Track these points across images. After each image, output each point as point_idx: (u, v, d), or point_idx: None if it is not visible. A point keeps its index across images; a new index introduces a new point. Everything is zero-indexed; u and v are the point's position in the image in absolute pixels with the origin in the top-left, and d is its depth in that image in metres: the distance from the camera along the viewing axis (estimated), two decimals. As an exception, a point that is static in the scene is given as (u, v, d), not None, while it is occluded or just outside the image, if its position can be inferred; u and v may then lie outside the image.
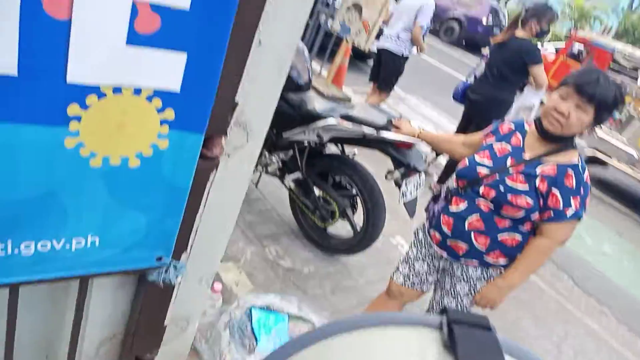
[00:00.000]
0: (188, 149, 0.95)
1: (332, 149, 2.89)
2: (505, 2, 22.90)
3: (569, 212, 1.61)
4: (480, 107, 3.83)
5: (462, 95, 4.08)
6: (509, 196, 1.64)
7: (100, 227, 0.98)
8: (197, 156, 0.96)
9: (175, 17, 0.77)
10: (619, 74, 8.62)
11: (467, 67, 9.21)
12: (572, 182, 1.61)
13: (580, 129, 1.60)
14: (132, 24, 0.75)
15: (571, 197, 1.61)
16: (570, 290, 3.80)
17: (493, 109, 3.76)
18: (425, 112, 7.11)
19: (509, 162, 1.69)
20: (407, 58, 4.66)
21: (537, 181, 1.63)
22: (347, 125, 2.47)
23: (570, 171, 1.61)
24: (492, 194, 1.66)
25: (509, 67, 3.73)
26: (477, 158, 1.76)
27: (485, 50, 7.51)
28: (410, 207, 2.53)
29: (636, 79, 8.04)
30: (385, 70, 4.77)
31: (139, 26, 0.76)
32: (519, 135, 1.75)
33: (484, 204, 1.71)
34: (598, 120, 1.59)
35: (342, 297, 2.69)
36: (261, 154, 2.93)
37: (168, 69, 0.83)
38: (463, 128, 4.01)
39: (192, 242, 1.17)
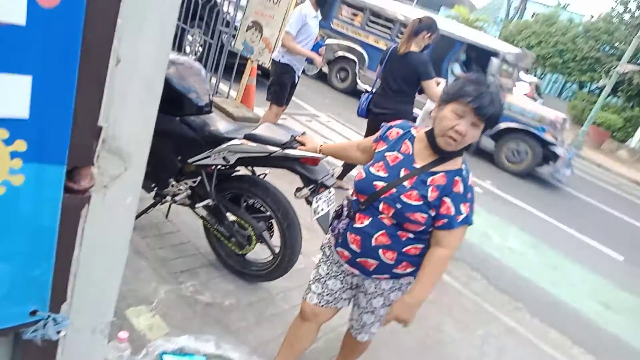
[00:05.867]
0: (49, 184, 0.83)
1: (242, 171, 2.78)
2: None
3: (460, 218, 1.65)
4: (383, 119, 3.92)
5: (366, 110, 4.17)
6: (407, 213, 1.65)
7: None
8: (61, 191, 0.83)
9: (10, 35, 0.67)
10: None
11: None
12: (460, 187, 1.66)
13: (472, 141, 1.66)
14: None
15: (461, 204, 1.65)
16: (486, 290, 3.96)
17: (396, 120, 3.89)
18: (336, 127, 7.24)
19: (402, 172, 1.70)
20: (285, 65, 4.54)
21: (429, 191, 1.65)
22: (252, 145, 2.39)
23: (458, 178, 1.67)
24: (392, 211, 1.67)
25: (405, 82, 3.88)
26: (373, 170, 1.75)
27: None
28: (324, 223, 2.48)
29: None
30: (270, 79, 4.73)
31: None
32: (407, 142, 1.76)
33: (387, 219, 1.71)
34: (484, 132, 1.66)
35: (266, 327, 2.55)
36: (168, 183, 2.77)
37: (11, 94, 0.71)
38: None
39: (73, 289, 1.03)
